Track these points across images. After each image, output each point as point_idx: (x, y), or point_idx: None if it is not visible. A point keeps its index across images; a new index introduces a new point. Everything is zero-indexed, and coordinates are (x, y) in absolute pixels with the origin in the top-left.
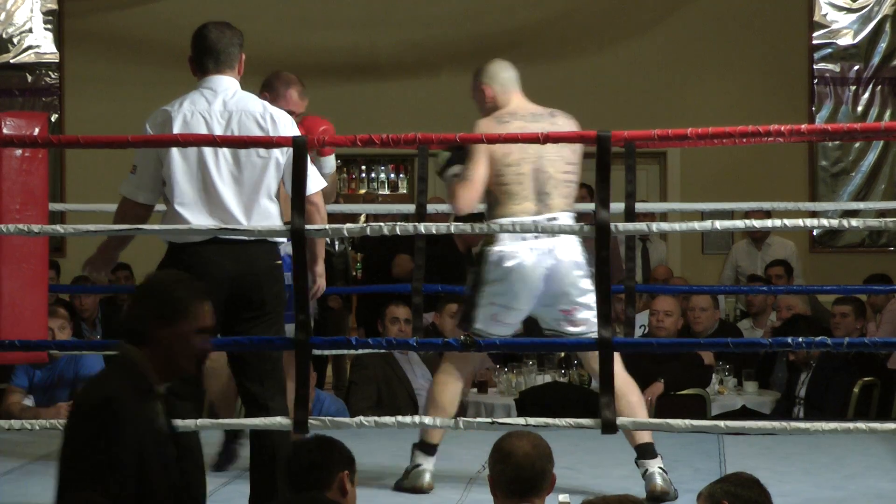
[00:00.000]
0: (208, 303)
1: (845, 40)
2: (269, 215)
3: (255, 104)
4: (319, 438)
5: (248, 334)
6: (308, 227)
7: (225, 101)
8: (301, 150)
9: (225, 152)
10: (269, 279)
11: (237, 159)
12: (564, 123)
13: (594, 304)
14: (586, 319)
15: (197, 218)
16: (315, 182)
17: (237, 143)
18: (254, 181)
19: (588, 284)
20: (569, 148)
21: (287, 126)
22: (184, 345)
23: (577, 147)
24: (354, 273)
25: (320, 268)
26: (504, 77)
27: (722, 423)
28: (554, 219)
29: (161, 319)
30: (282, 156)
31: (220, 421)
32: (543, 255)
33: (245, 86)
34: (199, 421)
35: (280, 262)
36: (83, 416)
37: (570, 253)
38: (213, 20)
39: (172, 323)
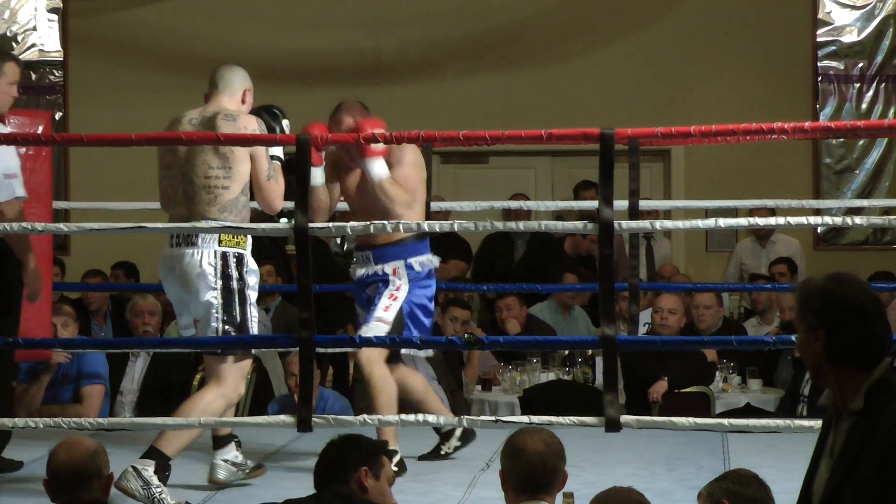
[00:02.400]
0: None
1: (849, 38)
2: None
3: None
4: (343, 437)
5: None
6: (310, 224)
7: None
8: (304, 148)
9: None
10: None
11: None
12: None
13: (206, 317)
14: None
15: None
16: None
17: (238, 140)
18: None
19: (207, 297)
20: (215, 152)
21: None
22: None
23: (232, 151)
24: None
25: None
26: (213, 79)
27: (726, 421)
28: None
29: None
30: None
31: (225, 419)
32: (168, 260)
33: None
34: (202, 419)
35: None
36: None
37: (194, 265)
38: (214, 21)
39: None
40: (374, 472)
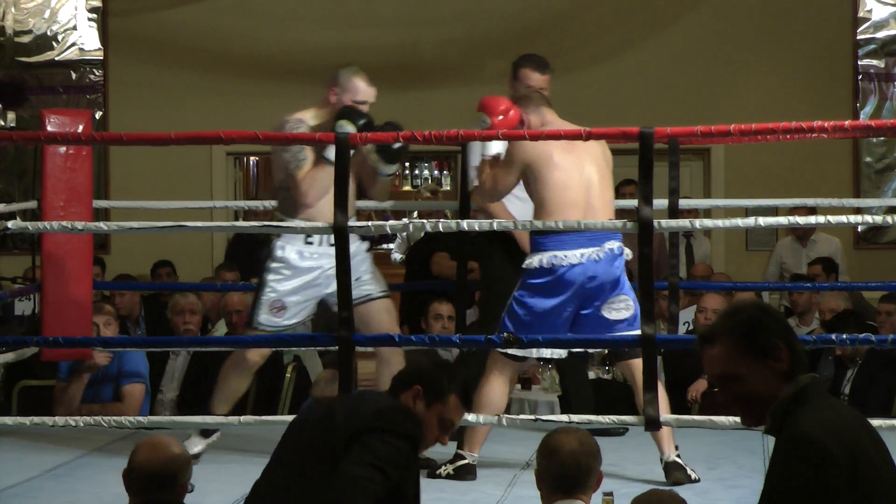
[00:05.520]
0: None
1: (890, 36)
2: None
3: None
4: (434, 358)
5: None
6: (351, 223)
7: None
8: (343, 146)
9: None
10: None
11: None
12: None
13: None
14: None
15: None
16: None
17: (279, 139)
18: None
19: None
20: None
21: None
22: None
23: None
24: None
25: None
26: None
27: None
28: None
29: None
30: None
31: (261, 418)
32: None
33: (279, 86)
34: (242, 418)
35: None
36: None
37: None
38: (254, 21)
39: None
40: (427, 401)
